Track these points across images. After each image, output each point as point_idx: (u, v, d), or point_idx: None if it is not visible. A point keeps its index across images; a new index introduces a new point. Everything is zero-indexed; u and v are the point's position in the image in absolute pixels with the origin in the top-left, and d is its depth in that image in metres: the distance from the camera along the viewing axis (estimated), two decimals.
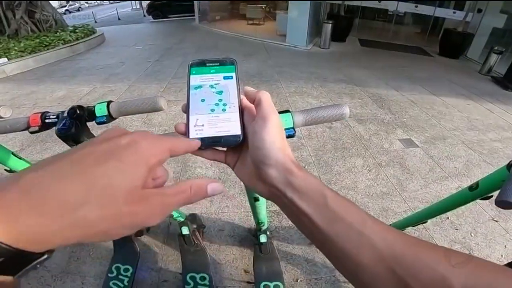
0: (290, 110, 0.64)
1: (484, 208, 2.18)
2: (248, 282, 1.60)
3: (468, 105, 4.40)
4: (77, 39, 7.01)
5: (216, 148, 0.37)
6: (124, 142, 0.25)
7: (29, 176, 0.21)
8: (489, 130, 3.55)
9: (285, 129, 0.62)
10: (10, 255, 0.19)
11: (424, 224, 1.73)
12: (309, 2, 6.91)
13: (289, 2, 7.36)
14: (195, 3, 11.19)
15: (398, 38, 9.93)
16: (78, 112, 0.78)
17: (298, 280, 1.63)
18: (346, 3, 8.57)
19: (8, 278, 0.20)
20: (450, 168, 2.70)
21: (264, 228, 1.55)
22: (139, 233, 1.74)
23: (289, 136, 0.60)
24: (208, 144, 0.35)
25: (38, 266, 0.22)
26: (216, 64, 0.40)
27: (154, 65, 5.57)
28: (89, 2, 32.84)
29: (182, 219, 1.50)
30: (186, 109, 0.37)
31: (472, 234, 1.98)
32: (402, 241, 0.26)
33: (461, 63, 7.53)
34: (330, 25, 7.11)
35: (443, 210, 1.27)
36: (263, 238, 1.57)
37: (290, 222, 1.98)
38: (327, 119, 0.66)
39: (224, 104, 0.37)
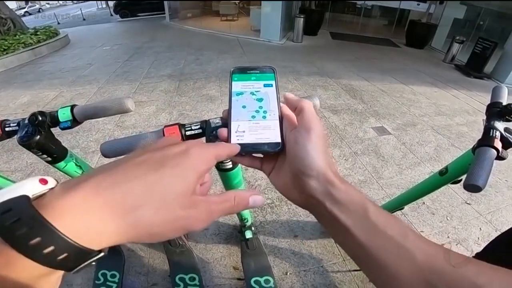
0: None
1: (456, 191, 2.29)
2: (239, 279, 1.60)
3: (435, 92, 4.62)
4: (39, 41, 6.60)
5: (254, 155, 0.37)
6: (177, 150, 0.27)
7: (99, 178, 0.23)
8: (455, 115, 3.76)
9: None
10: (74, 251, 0.20)
11: (401, 210, 1.81)
12: None
13: None
14: (165, 0, 10.90)
15: (367, 30, 10.23)
16: (40, 118, 0.74)
17: (288, 273, 1.64)
18: None
19: (63, 273, 0.22)
20: (422, 153, 2.82)
21: (248, 224, 1.56)
22: None
23: None
24: (248, 151, 0.35)
25: (93, 263, 0.23)
26: (257, 71, 0.41)
27: (124, 65, 5.36)
28: (50, 2, 31.04)
29: None
30: (227, 115, 0.38)
31: (448, 218, 2.07)
32: (444, 255, 0.26)
33: (426, 53, 7.89)
34: (302, 19, 7.19)
35: (418, 195, 1.33)
36: (248, 234, 1.59)
37: (274, 216, 2.01)
38: None
39: (265, 112, 0.37)
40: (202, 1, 12.17)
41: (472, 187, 0.73)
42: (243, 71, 0.41)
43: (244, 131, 0.36)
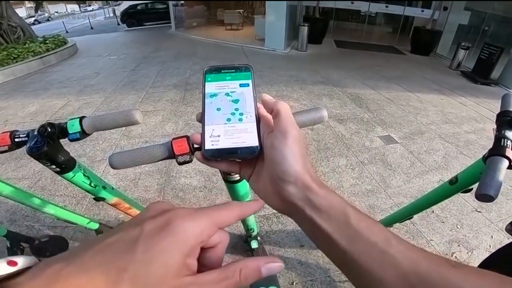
0: None
1: (467, 199, 2.25)
2: None
3: (442, 99, 4.58)
4: (47, 50, 6.73)
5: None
6: (157, 224, 0.23)
7: (62, 265, 0.20)
8: (463, 123, 3.71)
9: None
10: None
11: (411, 220, 1.78)
12: (285, 6, 7.01)
13: (267, 6, 7.45)
14: (171, 10, 11.10)
15: (371, 38, 10.26)
16: (49, 130, 0.74)
17: (294, 283, 1.62)
18: (321, 5, 8.75)
19: None
20: (430, 162, 2.79)
21: (254, 233, 1.55)
22: None
23: None
24: (224, 156, 0.34)
25: None
26: (232, 70, 0.39)
27: (131, 74, 5.44)
28: (59, 11, 31.84)
29: None
30: (201, 119, 0.36)
31: (458, 226, 2.04)
32: (427, 260, 0.25)
33: (432, 59, 7.86)
34: (307, 27, 7.25)
35: (427, 204, 1.31)
36: (254, 244, 1.58)
37: (280, 226, 1.99)
38: (307, 123, 0.66)
39: (241, 114, 0.36)
40: (208, 0, 12.35)
41: (484, 197, 0.72)
42: (217, 70, 0.39)
43: (219, 135, 0.34)
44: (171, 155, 0.62)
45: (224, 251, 0.28)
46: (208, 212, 0.25)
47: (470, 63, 6.48)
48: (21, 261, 0.22)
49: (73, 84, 4.99)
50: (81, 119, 0.75)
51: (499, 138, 0.83)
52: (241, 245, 1.80)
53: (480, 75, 5.90)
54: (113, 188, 1.02)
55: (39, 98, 4.33)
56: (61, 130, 0.76)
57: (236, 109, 0.36)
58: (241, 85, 0.38)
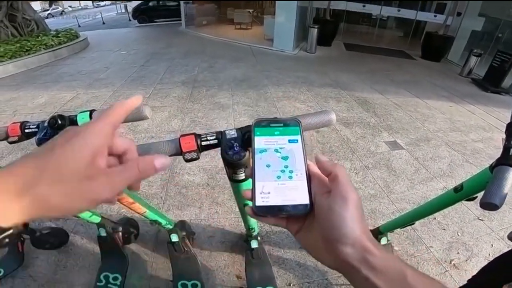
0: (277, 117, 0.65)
1: (469, 207, 2.24)
2: None
3: (450, 107, 4.54)
4: (59, 43, 6.83)
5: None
6: (68, 135, 0.29)
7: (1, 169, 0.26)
8: (471, 131, 3.67)
9: None
10: None
11: (412, 226, 1.77)
12: (295, 7, 6.99)
13: (277, 7, 7.43)
14: (182, 7, 11.15)
15: (382, 41, 10.17)
16: (60, 121, 0.75)
17: (291, 285, 1.63)
18: (332, 6, 8.71)
19: None
20: (435, 169, 2.76)
21: (255, 233, 1.54)
22: (127, 241, 1.70)
23: None
24: (274, 213, 0.34)
25: (6, 240, 0.27)
26: (280, 125, 0.39)
27: (140, 70, 5.49)
28: (73, 6, 32.20)
29: (170, 227, 1.48)
30: (251, 174, 0.36)
31: (459, 234, 2.03)
32: None
33: (442, 65, 7.78)
34: (316, 29, 7.21)
35: (430, 211, 1.30)
36: (254, 244, 1.57)
37: (280, 228, 1.98)
38: (314, 126, 0.66)
39: (291, 171, 0.35)
40: (219, 0, 12.39)
41: (489, 205, 0.73)
42: (265, 124, 0.39)
43: (269, 192, 0.34)
44: (179, 152, 0.63)
45: (135, 156, 0.34)
46: (101, 118, 0.31)
47: (481, 71, 6.39)
48: None
49: (83, 77, 5.06)
50: (91, 112, 0.76)
51: (507, 148, 0.83)
52: (241, 244, 1.80)
53: (491, 83, 5.82)
54: None
55: (49, 90, 4.40)
56: (71, 122, 0.76)
57: (286, 166, 0.36)
58: (290, 141, 0.38)
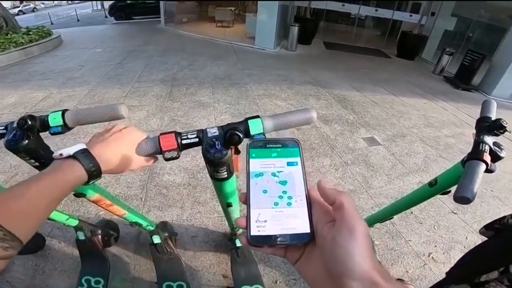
0: (260, 115, 0.64)
1: (444, 201, 2.33)
2: (228, 287, 1.59)
3: (424, 103, 4.73)
4: (30, 41, 6.49)
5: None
6: (127, 132, 0.59)
7: (93, 144, 0.54)
8: (443, 127, 3.85)
9: (255, 135, 0.63)
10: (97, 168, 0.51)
11: (391, 220, 1.82)
12: (277, 5, 7.02)
13: (259, 5, 7.43)
14: (161, 4, 10.90)
15: (360, 40, 10.39)
16: (30, 122, 0.71)
17: (277, 282, 1.64)
18: (312, 5, 8.81)
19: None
20: (411, 164, 2.87)
21: (239, 232, 1.52)
22: (107, 244, 1.66)
23: None
24: (271, 242, 0.31)
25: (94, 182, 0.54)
26: (278, 146, 0.36)
27: (116, 68, 5.31)
28: (45, 2, 30.64)
29: (152, 228, 1.45)
30: (245, 200, 0.33)
31: (435, 227, 2.11)
32: None
33: (416, 64, 8.08)
34: (297, 27, 7.29)
35: (407, 206, 1.33)
36: (239, 242, 1.55)
37: None
38: (295, 124, 0.66)
39: (289, 197, 0.33)
40: (199, 1, 12.21)
41: (462, 199, 0.74)
42: (262, 145, 0.36)
43: (266, 221, 0.31)
44: (158, 150, 0.61)
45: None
46: (140, 135, 0.61)
47: (453, 69, 6.69)
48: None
49: (56, 76, 4.82)
50: (63, 112, 0.72)
51: (477, 143, 0.86)
52: (226, 243, 1.79)
53: (461, 80, 6.11)
54: (94, 184, 0.99)
55: (19, 89, 4.17)
56: (42, 123, 0.72)
57: (284, 192, 0.33)
58: (288, 164, 0.35)
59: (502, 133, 0.88)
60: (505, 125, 0.87)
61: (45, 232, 1.78)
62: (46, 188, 0.43)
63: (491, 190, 2.57)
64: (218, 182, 0.79)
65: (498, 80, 5.72)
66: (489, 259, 0.95)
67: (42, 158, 0.83)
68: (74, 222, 1.37)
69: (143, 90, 4.21)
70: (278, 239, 0.31)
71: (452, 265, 1.17)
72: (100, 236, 1.56)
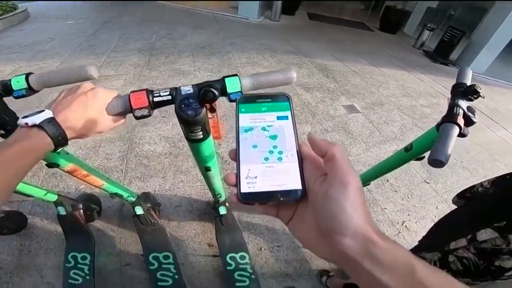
0: (238, 74, 0.63)
1: (417, 170, 2.43)
2: (214, 256, 1.61)
3: (403, 75, 4.83)
4: None
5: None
6: (92, 93, 0.55)
7: (62, 114, 0.52)
8: (420, 97, 3.97)
9: (232, 93, 0.61)
10: (64, 138, 0.50)
11: (367, 187, 1.88)
12: None
13: None
14: None
15: (343, 13, 10.27)
16: None
17: (262, 249, 1.68)
18: None
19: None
20: (388, 132, 2.96)
21: (222, 199, 1.53)
22: (90, 218, 1.63)
23: (233, 101, 0.57)
24: (262, 200, 0.30)
25: (62, 149, 0.53)
26: (268, 100, 0.35)
27: (90, 39, 4.95)
28: None
29: (133, 199, 1.43)
30: (235, 156, 0.32)
31: (409, 196, 2.20)
32: None
33: (398, 38, 8.11)
34: None
35: (384, 171, 1.35)
36: (222, 210, 1.56)
37: None
38: (274, 83, 0.65)
39: (280, 152, 0.32)
40: None
41: (436, 162, 0.74)
42: (251, 100, 0.35)
43: (256, 177, 0.30)
44: (128, 109, 0.58)
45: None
46: (109, 93, 0.58)
47: (432, 44, 6.79)
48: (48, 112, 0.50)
49: (24, 49, 4.44)
50: (27, 75, 0.69)
51: (452, 107, 0.86)
52: (210, 212, 1.80)
53: (440, 55, 6.25)
54: (67, 153, 0.95)
55: None
56: (4, 87, 0.69)
57: (275, 147, 0.32)
58: (279, 118, 0.34)
59: (476, 98, 0.89)
60: (479, 90, 0.88)
61: (26, 210, 1.73)
62: (12, 158, 0.43)
63: (461, 161, 2.70)
64: (194, 143, 0.77)
65: (475, 56, 5.87)
66: (458, 227, 0.99)
67: (8, 125, 0.78)
68: (53, 197, 1.34)
69: (119, 59, 3.99)
70: (269, 196, 0.30)
71: (424, 234, 1.21)
72: (81, 211, 1.53)
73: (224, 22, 6.87)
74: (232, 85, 0.61)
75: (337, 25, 8.17)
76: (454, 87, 0.94)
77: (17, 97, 0.69)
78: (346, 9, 11.14)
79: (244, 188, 0.30)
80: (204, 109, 0.61)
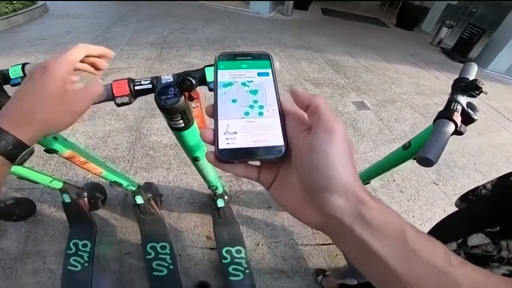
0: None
1: (427, 171, 2.34)
2: (211, 248, 1.62)
3: (417, 72, 4.68)
4: (14, 10, 6.10)
5: (249, 162, 0.30)
6: (39, 71, 0.40)
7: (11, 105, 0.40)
8: (434, 95, 3.84)
9: (212, 82, 0.62)
10: (18, 144, 0.38)
11: (372, 186, 1.82)
12: None
13: None
14: None
15: (358, 9, 10.02)
16: None
17: (259, 244, 1.68)
18: None
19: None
20: (398, 130, 2.89)
21: (219, 192, 1.53)
22: (94, 206, 1.67)
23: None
24: (242, 158, 0.28)
25: (26, 156, 0.40)
26: (248, 58, 0.34)
27: (105, 32, 5.08)
28: None
29: (134, 188, 1.45)
30: (212, 112, 0.30)
31: (416, 197, 2.13)
32: (493, 281, 0.22)
33: (414, 34, 7.86)
34: None
35: (383, 169, 1.31)
36: (220, 203, 1.57)
37: (250, 186, 2.02)
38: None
39: (261, 107, 0.30)
40: None
41: (424, 160, 0.69)
42: (231, 57, 0.34)
43: (235, 132, 0.29)
44: (110, 96, 0.61)
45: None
46: (62, 56, 0.42)
47: (451, 41, 6.55)
48: None
49: (42, 43, 4.58)
50: (23, 65, 0.76)
51: (450, 102, 0.83)
52: (210, 204, 1.80)
53: (459, 53, 6.02)
54: (65, 140, 0.97)
55: (5, 57, 3.96)
56: (3, 76, 0.77)
57: (255, 101, 0.31)
58: (259, 74, 0.33)
59: (478, 94, 0.84)
60: (481, 85, 0.82)
61: (36, 197, 1.79)
62: None
63: (474, 163, 2.59)
64: (177, 132, 0.79)
65: (495, 55, 5.62)
66: (454, 231, 0.93)
67: None
68: (59, 185, 1.37)
69: (132, 52, 4.06)
70: (250, 153, 0.28)
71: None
72: (86, 199, 1.56)
73: (236, 16, 6.86)
74: (212, 74, 0.62)
75: (352, 21, 7.98)
76: (455, 81, 0.90)
77: (13, 85, 0.74)
78: (361, 5, 10.86)
79: (223, 145, 0.28)
80: (183, 97, 0.62)
